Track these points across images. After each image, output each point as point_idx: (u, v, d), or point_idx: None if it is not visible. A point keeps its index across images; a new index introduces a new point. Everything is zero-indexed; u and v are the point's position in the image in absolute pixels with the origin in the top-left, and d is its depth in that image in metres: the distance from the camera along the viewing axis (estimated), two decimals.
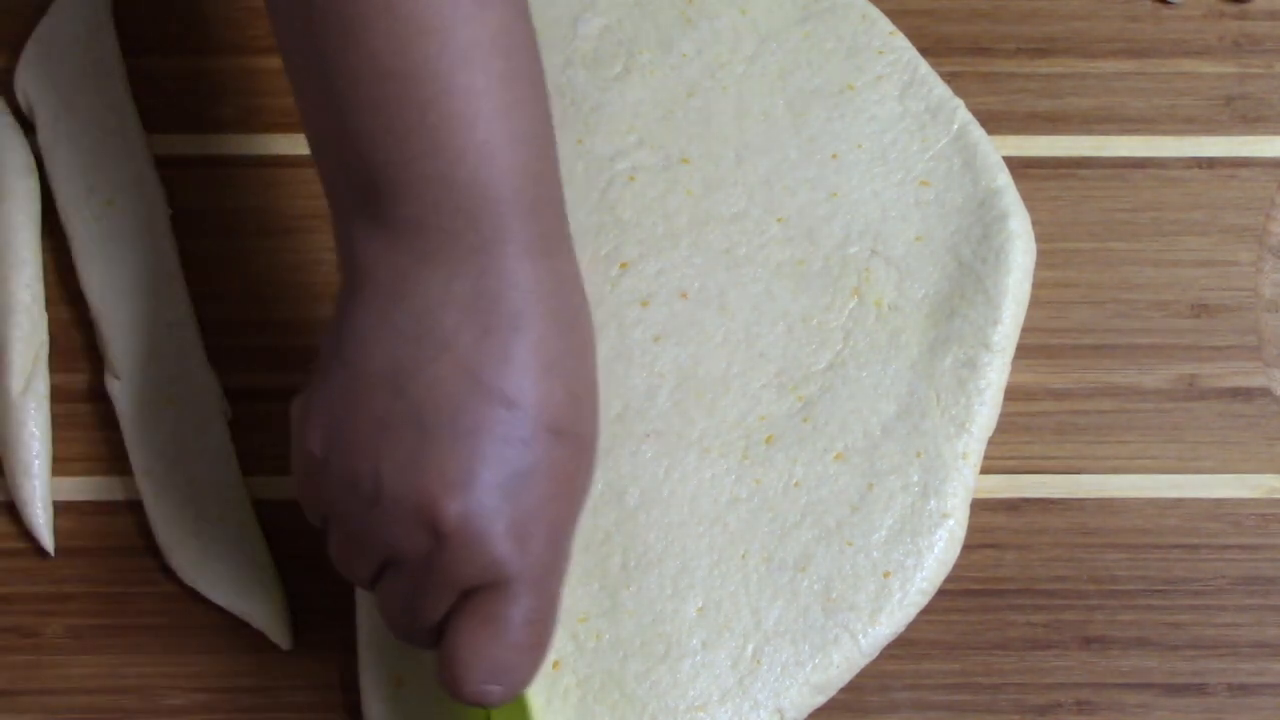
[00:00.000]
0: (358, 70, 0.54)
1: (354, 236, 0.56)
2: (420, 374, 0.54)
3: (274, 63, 0.72)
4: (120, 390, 0.67)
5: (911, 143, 0.71)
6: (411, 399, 0.54)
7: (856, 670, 0.63)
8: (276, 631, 0.64)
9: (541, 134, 0.57)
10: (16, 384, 0.67)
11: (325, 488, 0.55)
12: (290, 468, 0.57)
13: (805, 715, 0.63)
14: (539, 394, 0.54)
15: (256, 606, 0.64)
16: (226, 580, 0.65)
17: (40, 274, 0.70)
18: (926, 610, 0.64)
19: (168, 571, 0.66)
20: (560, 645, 0.63)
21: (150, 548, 0.66)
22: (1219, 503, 0.67)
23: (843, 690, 0.64)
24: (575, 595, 0.63)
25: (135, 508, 0.67)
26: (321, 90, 0.56)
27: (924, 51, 0.73)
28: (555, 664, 0.63)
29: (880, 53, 0.73)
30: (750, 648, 0.63)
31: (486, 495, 0.53)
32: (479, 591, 0.55)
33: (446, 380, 0.54)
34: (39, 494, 0.66)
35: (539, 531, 0.54)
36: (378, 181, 0.55)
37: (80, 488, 0.67)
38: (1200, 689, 0.64)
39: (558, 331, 0.55)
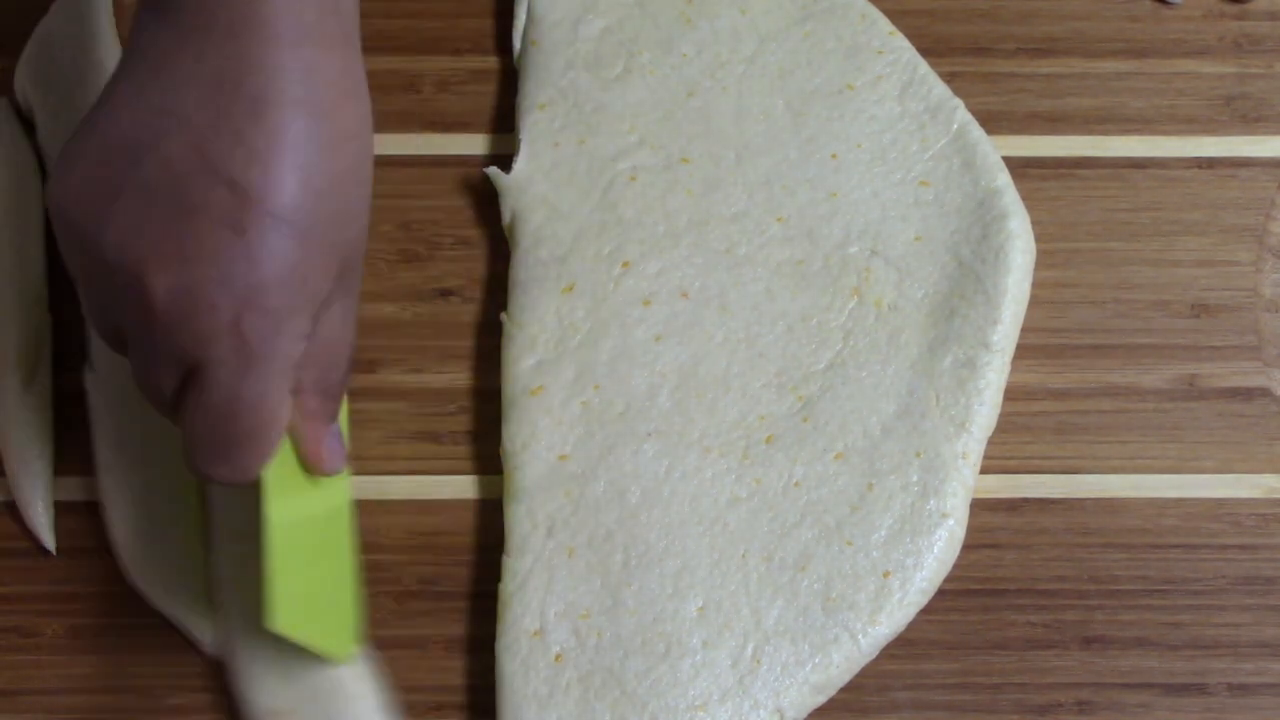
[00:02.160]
0: None
1: (137, 18, 0.56)
2: (156, 147, 0.54)
3: None
4: (94, 382, 0.67)
5: (911, 143, 0.71)
6: (143, 170, 0.54)
7: (856, 670, 0.64)
8: (206, 638, 0.64)
9: None
10: (20, 384, 0.67)
11: (65, 246, 0.56)
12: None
13: (805, 715, 0.63)
14: (265, 179, 0.54)
15: (188, 612, 0.64)
16: (166, 584, 0.65)
17: (44, 274, 0.70)
18: (926, 610, 0.64)
19: None
20: (562, 640, 0.63)
21: None
22: (1219, 503, 0.67)
23: (843, 690, 0.64)
24: (577, 592, 0.63)
25: None
26: None
27: (924, 51, 0.73)
28: (557, 657, 0.63)
29: (880, 53, 0.73)
30: (750, 647, 0.63)
31: (197, 274, 0.54)
32: (197, 371, 0.55)
33: (177, 157, 0.54)
34: (41, 494, 0.66)
35: (248, 316, 0.54)
36: None
37: (82, 488, 0.67)
38: (1200, 689, 0.64)
39: (301, 122, 0.54)
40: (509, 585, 0.64)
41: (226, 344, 0.54)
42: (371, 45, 0.74)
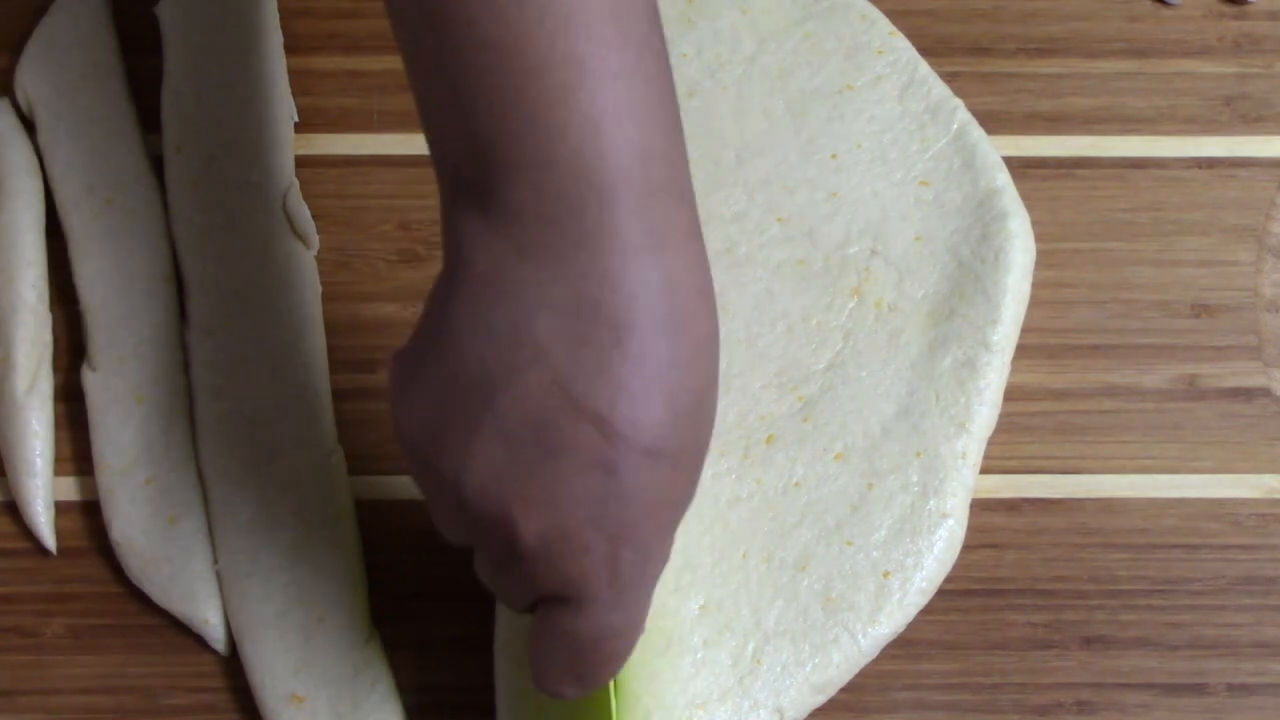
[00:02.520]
0: (458, 39, 0.50)
1: (456, 220, 0.52)
2: (510, 385, 0.50)
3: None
4: (93, 382, 0.67)
5: (911, 143, 0.71)
6: (499, 411, 0.51)
7: (856, 670, 0.64)
8: (213, 637, 0.65)
9: (658, 107, 0.51)
10: (21, 384, 0.67)
11: (415, 469, 0.54)
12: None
13: (805, 715, 0.63)
14: (635, 413, 0.50)
15: (195, 610, 0.64)
16: (169, 581, 0.65)
17: (45, 274, 0.70)
18: (926, 610, 0.64)
19: None
20: None
21: None
22: (1219, 503, 0.67)
23: (843, 690, 0.64)
24: None
25: None
26: (424, 59, 0.51)
27: (924, 51, 0.73)
28: None
29: (880, 53, 0.73)
30: (750, 646, 0.63)
31: (569, 517, 0.51)
32: (558, 601, 0.53)
33: (536, 394, 0.50)
34: (41, 493, 0.66)
35: (624, 552, 0.52)
36: (480, 161, 0.50)
37: (82, 488, 0.67)
38: (1200, 689, 0.64)
39: (664, 341, 0.51)
40: None
41: (600, 581, 0.52)
42: (371, 45, 0.74)
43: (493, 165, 0.50)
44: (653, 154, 0.51)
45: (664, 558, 0.54)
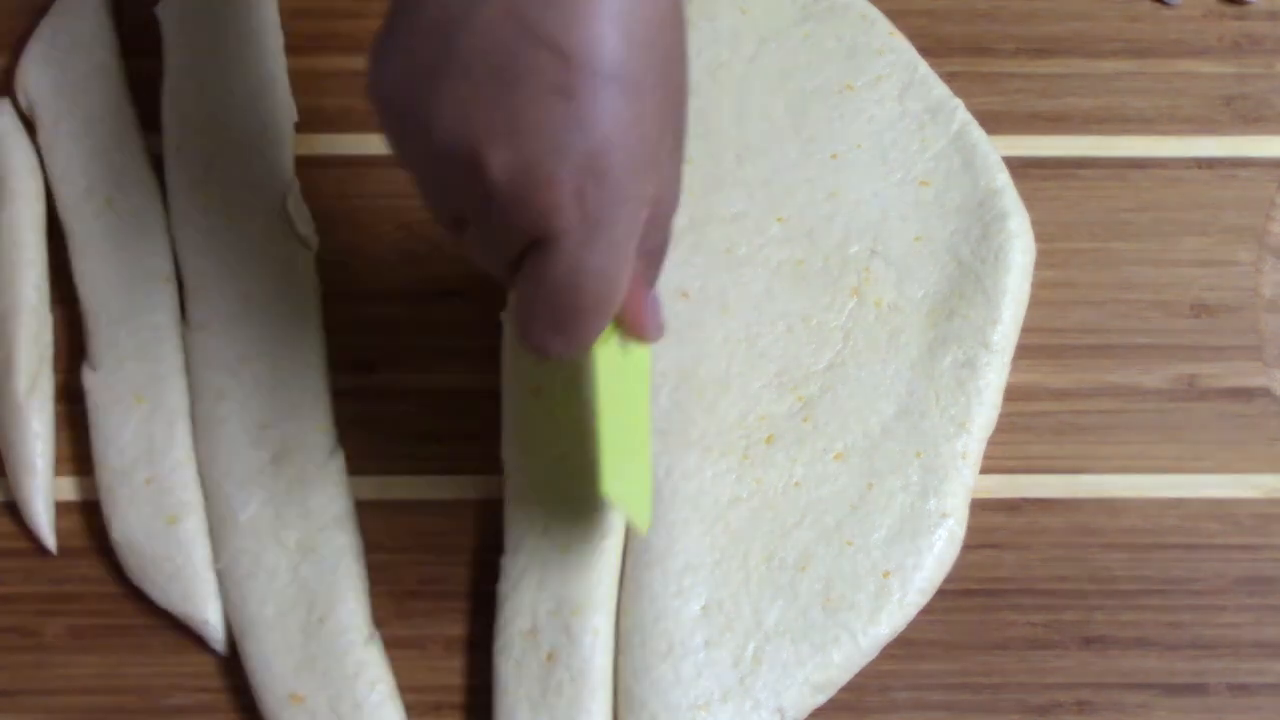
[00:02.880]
0: None
1: None
2: (469, 21, 0.52)
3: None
4: (94, 382, 0.67)
5: (911, 143, 0.71)
6: (460, 47, 0.52)
7: (856, 670, 0.64)
8: (213, 637, 0.65)
9: None
10: (22, 384, 0.67)
11: (393, 137, 0.55)
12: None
13: (805, 715, 0.63)
14: (588, 38, 0.51)
15: (195, 610, 0.64)
16: (169, 581, 0.65)
17: (46, 275, 0.70)
18: (926, 610, 0.64)
19: None
20: (555, 640, 0.63)
21: None
22: (1219, 503, 0.67)
23: (843, 690, 0.64)
24: (571, 589, 0.63)
25: None
26: None
27: (924, 51, 0.73)
28: (549, 656, 0.63)
29: (880, 53, 0.73)
30: (751, 647, 0.63)
31: (531, 148, 0.52)
32: (536, 245, 0.54)
33: (494, 27, 0.52)
34: (42, 493, 0.66)
35: (591, 184, 0.52)
36: None
37: (82, 488, 0.67)
38: (1200, 689, 0.64)
39: None
40: (504, 585, 0.64)
41: (569, 216, 0.53)
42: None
43: None
44: None
45: (638, 201, 0.54)
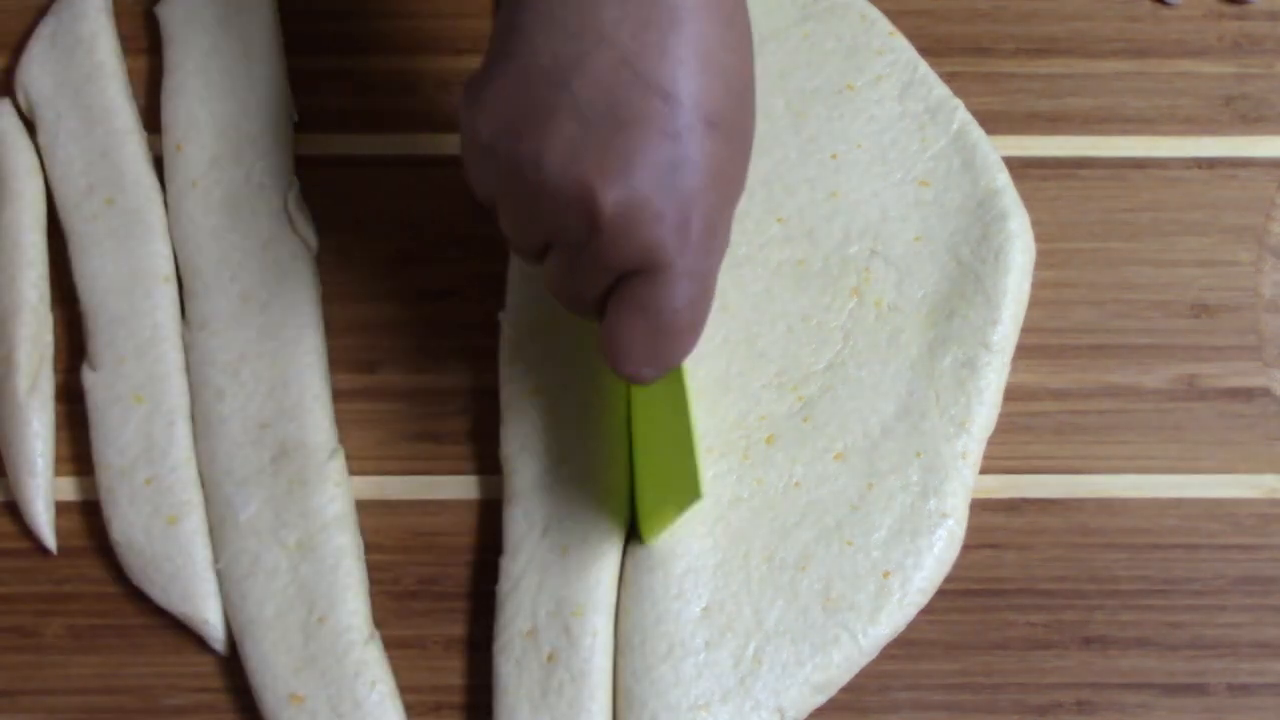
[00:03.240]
0: None
1: None
2: (581, 67, 0.56)
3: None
4: (94, 382, 0.67)
5: (911, 143, 0.71)
6: (573, 91, 0.56)
7: (856, 670, 0.64)
8: (213, 637, 0.65)
9: None
10: (23, 384, 0.67)
11: (491, 173, 0.58)
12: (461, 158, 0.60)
13: (805, 715, 0.63)
14: (695, 87, 0.56)
15: (195, 610, 0.64)
16: (169, 581, 0.65)
17: (46, 274, 0.70)
18: (926, 610, 0.64)
19: None
20: (555, 640, 0.63)
21: None
22: (1219, 503, 0.67)
23: (843, 690, 0.64)
24: (571, 589, 0.63)
25: None
26: None
27: (924, 51, 0.73)
28: (550, 657, 0.63)
29: (880, 53, 0.73)
30: (751, 647, 0.63)
31: (642, 184, 0.56)
32: (635, 276, 0.57)
33: (606, 73, 0.56)
34: (42, 493, 0.66)
35: (694, 219, 0.56)
36: None
37: (82, 487, 0.67)
38: (1200, 689, 0.64)
39: (715, 27, 0.56)
40: (504, 586, 0.64)
41: (672, 248, 0.56)
42: (372, 45, 0.74)
43: None
44: None
45: (725, 236, 0.59)
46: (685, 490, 0.59)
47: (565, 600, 0.63)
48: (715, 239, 0.58)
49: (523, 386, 0.67)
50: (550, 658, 0.63)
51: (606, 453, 0.65)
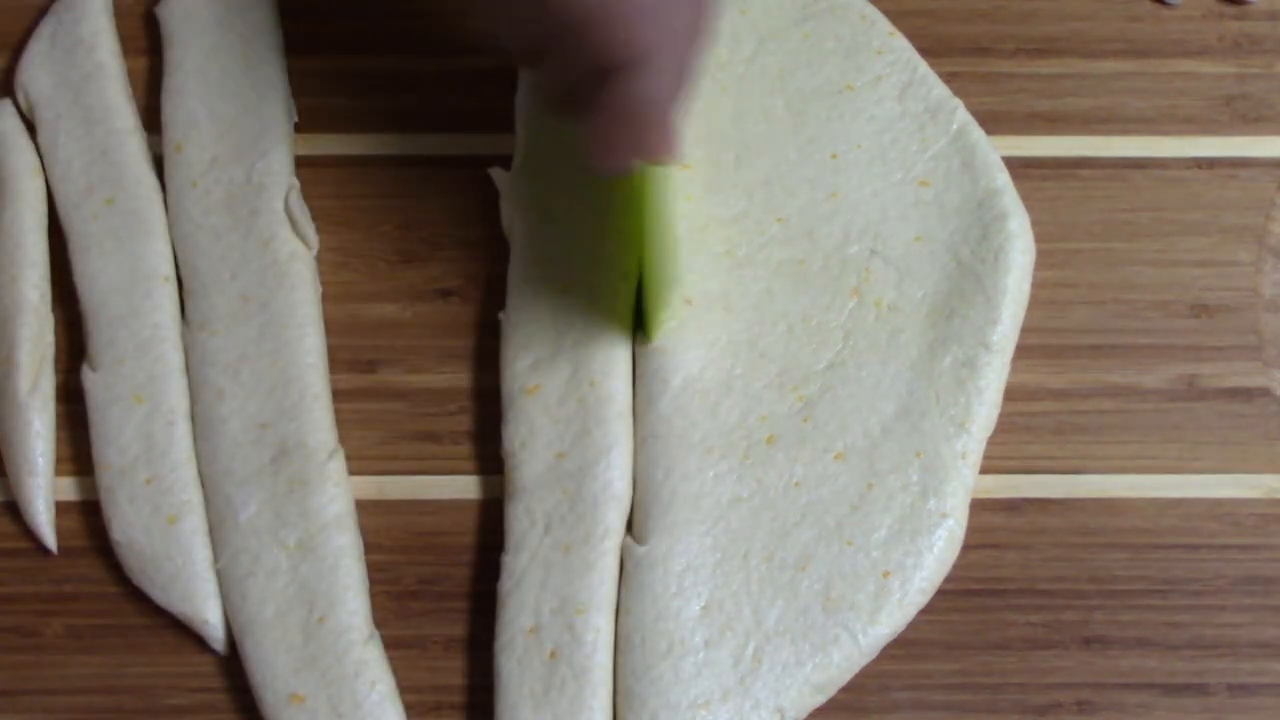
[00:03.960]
0: None
1: None
2: None
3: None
4: (94, 382, 0.67)
5: (910, 143, 0.71)
6: None
7: (856, 670, 0.64)
8: (213, 637, 0.65)
9: None
10: (24, 384, 0.67)
11: None
12: None
13: (805, 714, 0.63)
14: None
15: (195, 611, 0.64)
16: (169, 581, 0.65)
17: (48, 275, 0.70)
18: (926, 610, 0.64)
19: None
20: (558, 638, 0.63)
21: None
22: (1219, 503, 0.67)
23: (843, 690, 0.64)
24: (573, 587, 0.63)
25: None
26: None
27: (923, 51, 0.73)
28: (552, 654, 0.63)
29: (879, 53, 0.73)
30: (751, 646, 0.63)
31: None
32: (619, 73, 0.59)
33: None
34: (42, 493, 0.66)
35: (673, 15, 0.59)
36: None
37: (82, 487, 0.67)
38: (1200, 689, 0.64)
39: None
40: (505, 583, 0.64)
41: (651, 41, 0.59)
42: (371, 45, 0.74)
43: None
44: None
45: (705, 34, 0.61)
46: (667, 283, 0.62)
47: (569, 598, 0.63)
48: (690, 40, 0.60)
49: (524, 383, 0.67)
50: (552, 655, 0.63)
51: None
